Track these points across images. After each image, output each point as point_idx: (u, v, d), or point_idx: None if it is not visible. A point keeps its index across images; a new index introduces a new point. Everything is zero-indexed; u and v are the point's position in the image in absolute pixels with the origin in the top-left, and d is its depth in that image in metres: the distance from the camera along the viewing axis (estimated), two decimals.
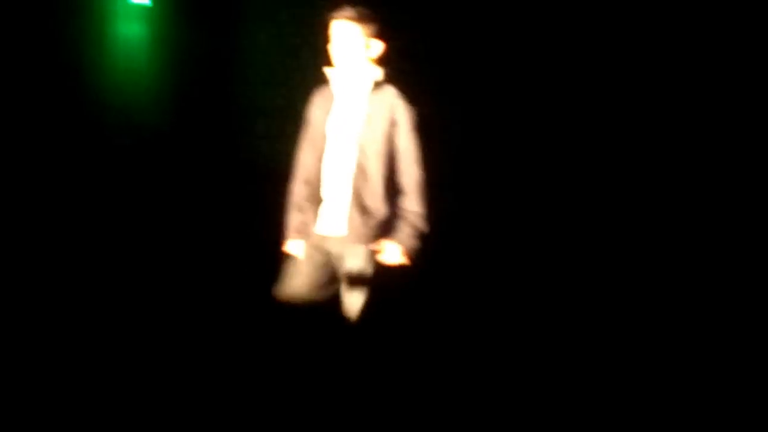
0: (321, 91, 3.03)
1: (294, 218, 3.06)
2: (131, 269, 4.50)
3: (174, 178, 5.41)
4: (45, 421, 2.92)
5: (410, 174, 2.97)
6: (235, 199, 5.25)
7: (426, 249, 3.03)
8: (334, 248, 2.98)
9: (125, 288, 4.26)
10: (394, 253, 2.95)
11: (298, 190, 3.06)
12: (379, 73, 2.92)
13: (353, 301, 2.96)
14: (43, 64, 5.03)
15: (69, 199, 4.96)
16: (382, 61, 2.93)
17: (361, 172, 2.91)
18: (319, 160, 2.97)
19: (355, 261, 2.94)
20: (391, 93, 2.94)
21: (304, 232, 3.02)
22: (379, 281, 3.00)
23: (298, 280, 3.00)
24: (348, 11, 2.85)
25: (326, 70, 2.95)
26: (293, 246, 3.06)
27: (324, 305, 3.04)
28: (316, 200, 2.99)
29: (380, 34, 2.90)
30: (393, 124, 2.92)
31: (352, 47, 2.86)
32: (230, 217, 5.16)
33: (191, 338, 3.69)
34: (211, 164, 5.52)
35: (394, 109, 2.92)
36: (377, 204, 2.92)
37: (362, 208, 2.91)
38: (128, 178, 5.24)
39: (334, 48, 2.89)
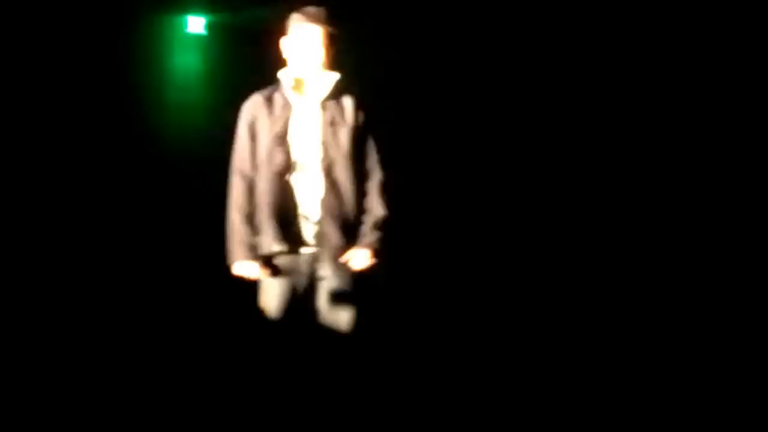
0: (266, 98, 2.88)
1: (246, 237, 2.84)
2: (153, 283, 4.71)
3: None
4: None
5: (374, 176, 2.90)
6: None
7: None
8: (306, 265, 2.87)
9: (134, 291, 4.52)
10: (362, 258, 2.89)
11: (250, 207, 2.85)
12: (338, 76, 2.87)
13: (341, 318, 2.88)
14: (102, 93, 5.29)
15: (121, 222, 5.17)
16: (341, 63, 2.89)
17: (331, 182, 2.81)
18: (278, 173, 2.81)
19: (336, 278, 2.87)
20: (351, 95, 2.89)
21: (258, 252, 2.84)
22: (363, 293, 2.92)
23: (272, 303, 2.87)
24: (309, 12, 2.82)
25: (281, 74, 2.91)
26: (245, 267, 2.88)
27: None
28: (275, 217, 2.81)
29: (340, 37, 2.85)
30: (356, 128, 2.86)
31: (313, 50, 2.82)
32: None
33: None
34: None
35: (356, 112, 2.87)
36: (348, 213, 2.86)
37: (335, 220, 2.82)
38: (186, 205, 5.41)
39: (292, 51, 2.86)
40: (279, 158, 2.81)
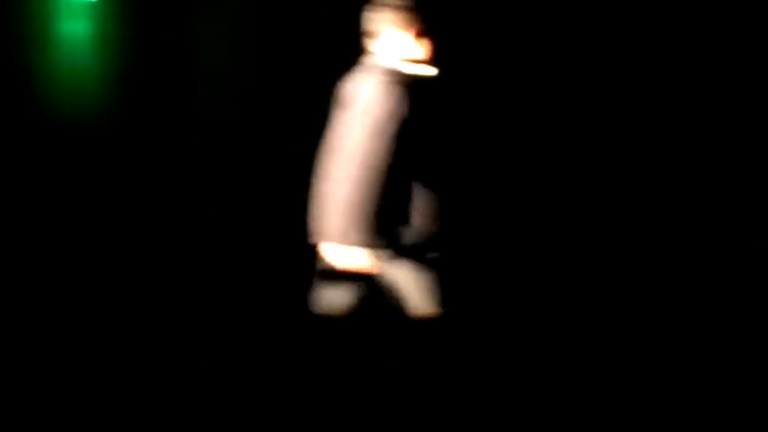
0: (392, 84, 2.60)
1: (374, 226, 2.59)
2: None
3: (124, 175, 5.46)
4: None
5: None
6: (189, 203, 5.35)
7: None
8: None
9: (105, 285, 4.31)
10: None
11: (380, 193, 2.58)
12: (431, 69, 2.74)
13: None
14: None
15: (17, 195, 4.93)
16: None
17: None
18: (409, 161, 2.63)
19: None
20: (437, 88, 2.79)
21: (392, 242, 2.66)
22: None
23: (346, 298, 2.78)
24: (407, 22, 2.68)
25: (399, 63, 2.69)
26: (363, 257, 2.66)
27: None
28: (396, 204, 2.65)
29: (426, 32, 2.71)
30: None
31: (399, 42, 2.71)
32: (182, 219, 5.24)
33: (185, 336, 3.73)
34: (158, 161, 5.59)
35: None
36: None
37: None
38: (77, 175, 5.22)
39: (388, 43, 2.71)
40: (408, 146, 2.60)
